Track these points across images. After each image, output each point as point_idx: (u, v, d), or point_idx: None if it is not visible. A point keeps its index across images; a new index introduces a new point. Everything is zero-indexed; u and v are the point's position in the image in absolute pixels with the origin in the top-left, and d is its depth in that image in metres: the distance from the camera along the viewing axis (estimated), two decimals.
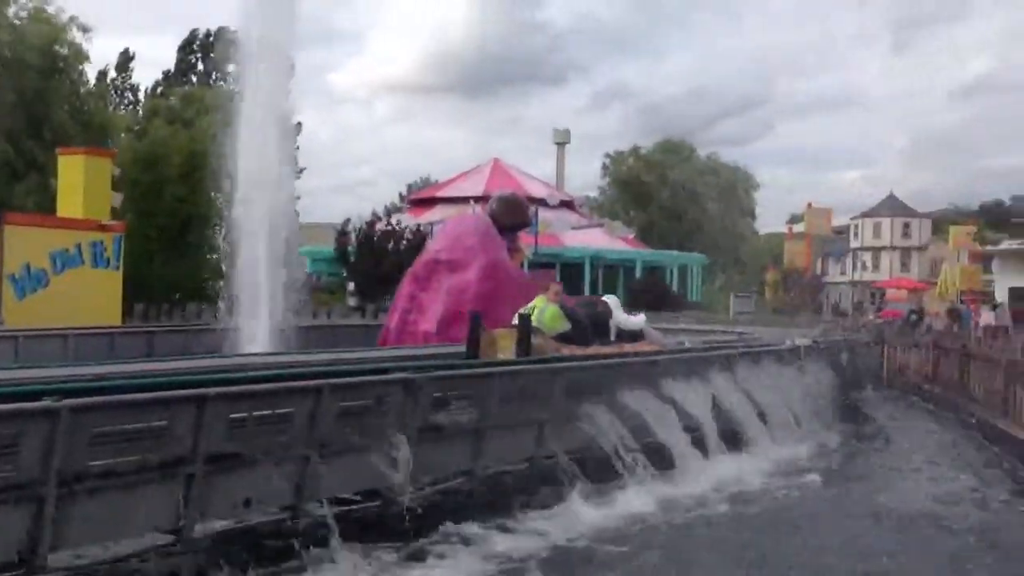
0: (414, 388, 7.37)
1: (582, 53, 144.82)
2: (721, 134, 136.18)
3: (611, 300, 12.72)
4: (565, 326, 11.18)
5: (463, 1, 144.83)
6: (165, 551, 6.16)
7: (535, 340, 10.22)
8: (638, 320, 12.78)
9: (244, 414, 6.20)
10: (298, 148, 64.85)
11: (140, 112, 45.77)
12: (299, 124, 59.96)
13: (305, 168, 63.63)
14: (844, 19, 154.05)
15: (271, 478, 6.47)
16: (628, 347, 11.76)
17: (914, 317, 32.32)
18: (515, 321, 10.75)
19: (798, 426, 12.70)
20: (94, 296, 17.78)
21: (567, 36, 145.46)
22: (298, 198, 59.76)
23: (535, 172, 67.24)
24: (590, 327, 11.72)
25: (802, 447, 12.23)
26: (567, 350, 10.67)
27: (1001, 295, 44.29)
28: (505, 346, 10.27)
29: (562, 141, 72.02)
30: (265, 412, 6.35)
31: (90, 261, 18.40)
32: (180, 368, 7.60)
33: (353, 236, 31.69)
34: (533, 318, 10.58)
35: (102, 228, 18.95)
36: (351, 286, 35.06)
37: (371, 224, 31.96)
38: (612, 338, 12.02)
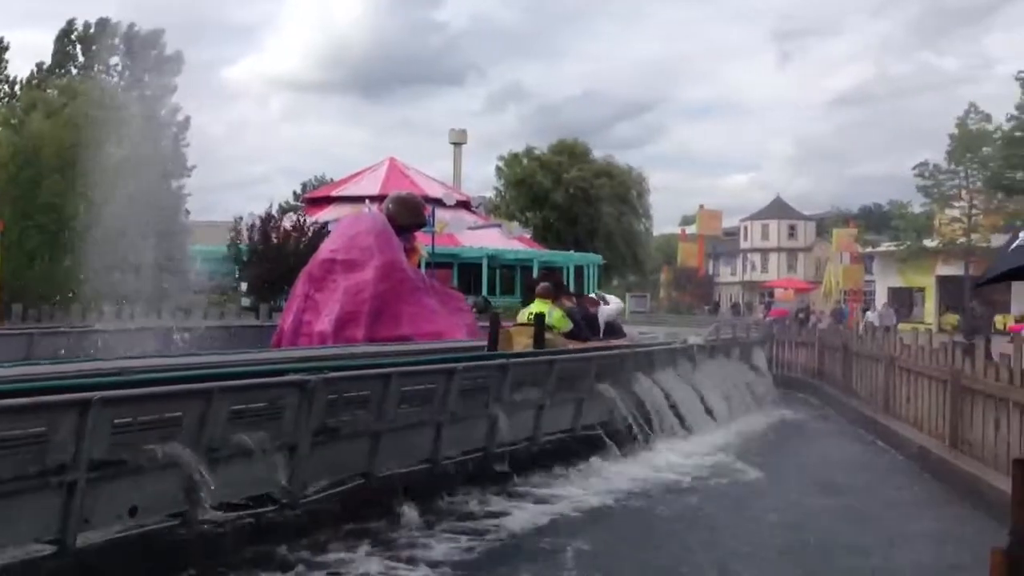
0: (309, 390, 7.24)
1: (480, 54, 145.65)
2: (616, 137, 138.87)
3: (613, 302, 15.22)
4: (569, 325, 13.34)
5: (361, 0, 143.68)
6: (46, 562, 5.89)
7: (548, 336, 12.18)
8: (611, 308, 14.88)
9: (129, 419, 5.98)
10: (187, 144, 62.72)
11: (18, 105, 43.76)
12: (188, 118, 58.73)
13: (195, 165, 62.36)
14: (733, 28, 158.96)
15: (159, 485, 6.26)
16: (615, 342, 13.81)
17: (802, 315, 33.49)
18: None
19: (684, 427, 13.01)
20: None
21: (465, 37, 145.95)
22: (188, 195, 57.84)
23: (432, 172, 66.95)
24: (585, 325, 13.83)
25: (688, 445, 12.53)
26: (572, 344, 12.68)
27: (881, 295, 46.27)
28: (520, 341, 12.41)
29: (458, 141, 71.90)
30: (152, 416, 6.14)
31: None
32: (61, 372, 7.27)
33: (246, 234, 30.86)
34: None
35: None
36: (244, 286, 34.24)
37: (265, 221, 31.18)
38: (601, 335, 14.12)
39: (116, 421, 5.88)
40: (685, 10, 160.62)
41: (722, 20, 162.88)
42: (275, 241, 29.44)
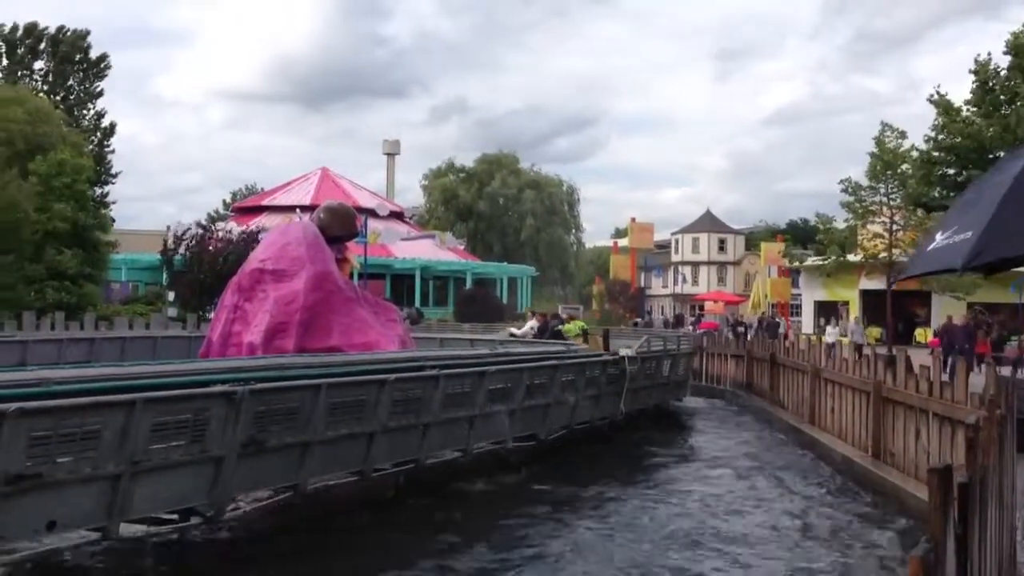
0: (236, 401, 7.11)
1: (424, 68, 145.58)
2: (556, 150, 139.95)
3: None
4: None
5: (305, 12, 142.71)
6: None
7: None
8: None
9: (48, 431, 5.80)
10: (112, 150, 61.39)
11: None
12: (112, 125, 57.50)
13: (121, 172, 60.88)
14: (672, 46, 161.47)
15: (79, 498, 6.09)
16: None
17: (741, 329, 33.78)
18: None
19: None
20: None
21: (410, 51, 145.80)
22: (113, 203, 56.45)
23: (371, 183, 66.74)
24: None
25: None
26: None
27: (807, 307, 47.24)
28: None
29: (392, 152, 71.66)
30: (72, 429, 5.96)
31: None
32: None
33: (177, 243, 30.20)
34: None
35: None
36: (171, 295, 33.53)
37: (205, 229, 30.55)
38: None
39: (33, 434, 5.70)
40: (625, 27, 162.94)
41: (661, 38, 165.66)
42: (212, 250, 28.91)
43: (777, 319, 40.31)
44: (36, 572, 6.81)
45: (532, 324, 22.72)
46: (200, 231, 29.79)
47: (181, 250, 29.25)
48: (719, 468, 13.06)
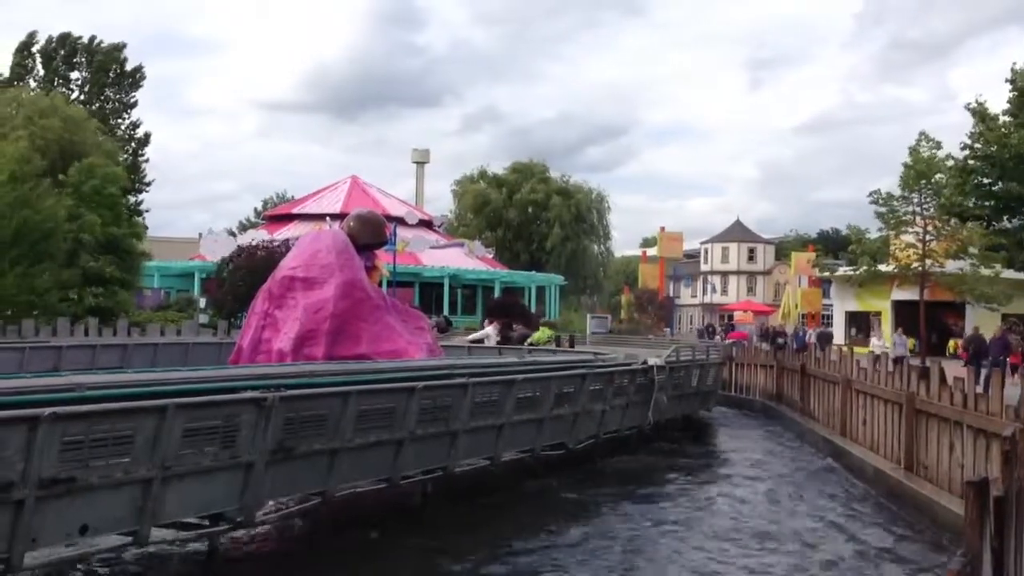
0: (266, 408, 7.15)
1: (457, 77, 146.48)
2: (587, 159, 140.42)
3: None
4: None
5: (339, 21, 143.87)
6: None
7: None
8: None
9: (81, 436, 5.86)
10: (147, 160, 62.13)
11: None
12: (147, 135, 58.21)
13: (154, 180, 61.55)
14: (703, 55, 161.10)
15: (111, 503, 6.14)
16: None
17: (781, 340, 33.29)
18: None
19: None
20: None
21: (442, 60, 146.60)
22: (147, 211, 57.18)
23: (401, 192, 67.01)
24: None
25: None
26: None
27: (838, 318, 46.82)
28: None
29: (421, 160, 71.96)
30: (104, 434, 6.02)
31: None
32: (11, 387, 7.11)
33: (239, 254, 30.66)
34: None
35: None
36: (202, 302, 33.89)
37: (252, 246, 31.13)
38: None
39: (67, 438, 5.76)
40: (658, 37, 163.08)
41: (694, 47, 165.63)
42: (258, 256, 29.42)
43: (808, 330, 39.94)
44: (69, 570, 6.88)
45: (489, 331, 22.87)
46: (250, 244, 30.41)
47: (235, 261, 29.75)
48: (748, 479, 12.95)
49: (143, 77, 58.43)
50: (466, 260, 50.97)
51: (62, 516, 5.87)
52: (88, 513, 6.03)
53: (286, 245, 29.28)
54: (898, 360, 21.02)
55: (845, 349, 19.10)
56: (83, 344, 16.16)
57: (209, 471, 6.84)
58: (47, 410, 5.62)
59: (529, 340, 22.63)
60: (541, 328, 23.96)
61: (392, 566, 7.98)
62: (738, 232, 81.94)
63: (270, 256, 28.64)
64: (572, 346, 22.56)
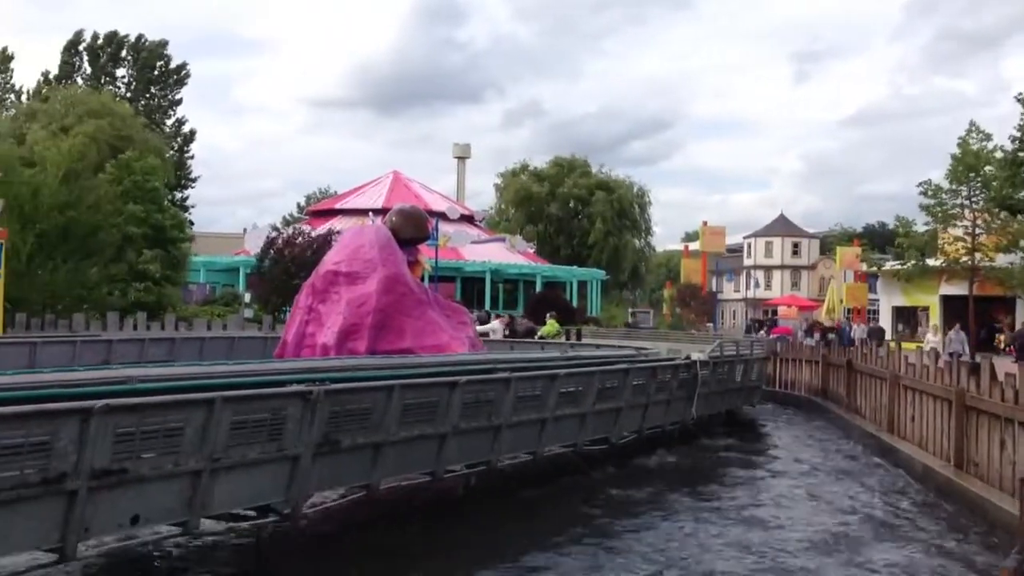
0: (312, 401, 7.20)
1: (499, 72, 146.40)
2: (630, 154, 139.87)
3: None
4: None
5: (383, 18, 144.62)
6: (46, 569, 5.87)
7: None
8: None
9: (132, 428, 5.95)
10: (192, 156, 63.01)
11: (20, 117, 43.99)
12: (192, 132, 58.94)
13: (200, 176, 62.29)
14: (749, 48, 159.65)
15: (161, 494, 6.23)
16: None
17: (831, 336, 32.74)
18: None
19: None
20: None
21: (484, 56, 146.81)
22: (192, 206, 57.96)
23: (442, 187, 67.19)
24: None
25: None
26: None
27: (885, 313, 46.13)
28: None
29: (462, 156, 72.06)
30: (154, 426, 6.11)
31: None
32: (65, 380, 7.24)
33: (269, 248, 31.06)
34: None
35: None
36: (247, 297, 34.28)
37: (286, 235, 31.49)
38: None
39: (119, 430, 5.85)
40: (703, 30, 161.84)
41: (740, 41, 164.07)
42: (289, 252, 29.79)
43: (853, 326, 39.37)
44: (120, 565, 6.99)
45: (495, 325, 23.34)
46: (285, 234, 30.76)
47: (271, 253, 30.12)
48: (792, 475, 12.82)
49: (187, 75, 59.22)
50: (507, 255, 51.01)
51: (114, 506, 5.97)
52: (139, 504, 6.12)
53: (324, 238, 29.65)
54: (953, 355, 20.61)
55: (892, 345, 18.84)
56: (132, 338, 16.43)
57: (256, 463, 6.91)
58: (100, 402, 5.71)
59: (539, 334, 23.10)
60: (549, 322, 24.36)
61: (436, 559, 8.00)
62: (782, 226, 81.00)
63: (303, 250, 29.05)
64: (579, 339, 23.05)
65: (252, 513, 7.29)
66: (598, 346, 18.74)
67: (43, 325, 20.82)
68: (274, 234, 31.52)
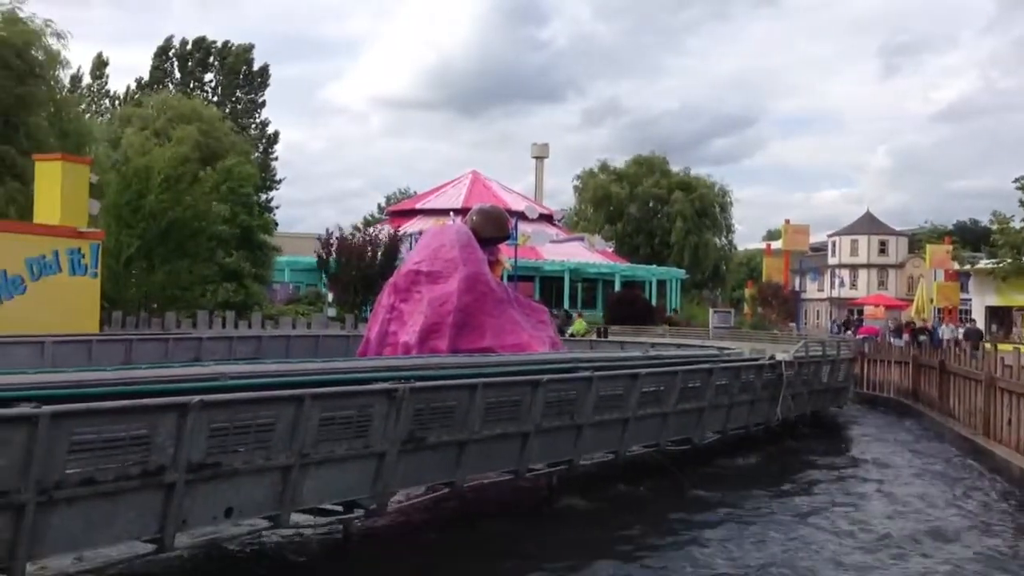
0: (397, 399, 7.30)
1: (578, 71, 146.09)
2: (712, 151, 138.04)
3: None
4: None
5: (465, 19, 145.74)
6: (146, 560, 6.06)
7: None
8: None
9: (225, 423, 6.11)
10: (276, 158, 64.37)
11: (115, 121, 45.52)
12: (276, 133, 60.28)
13: (284, 178, 63.78)
14: (835, 43, 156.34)
15: (253, 487, 6.39)
16: None
17: (923, 337, 31.75)
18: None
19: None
20: (72, 303, 17.52)
21: (565, 55, 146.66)
22: (277, 207, 59.20)
23: (520, 187, 67.39)
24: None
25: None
26: None
27: (978, 313, 44.69)
28: None
29: (540, 155, 72.07)
30: (247, 421, 6.27)
31: (67, 268, 18.13)
32: (160, 376, 7.47)
33: (328, 249, 31.74)
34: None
35: (79, 235, 18.68)
36: (330, 296, 34.88)
37: (351, 235, 32.07)
38: None
39: (213, 425, 6.01)
40: (788, 24, 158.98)
41: (825, 35, 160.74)
42: (353, 249, 30.43)
43: (943, 326, 38.21)
44: (214, 556, 7.18)
45: None
46: (341, 234, 31.43)
47: (333, 253, 30.76)
48: (883, 479, 12.52)
49: (269, 77, 60.62)
50: (586, 254, 50.87)
51: (209, 499, 6.14)
52: (233, 497, 6.28)
53: (394, 239, 30.18)
54: None
55: (988, 346, 18.24)
56: (221, 336, 16.88)
57: (343, 460, 7.03)
58: (196, 398, 5.88)
59: (570, 332, 23.17)
60: (578, 320, 24.47)
61: (520, 557, 8.02)
62: (868, 224, 79.00)
63: (361, 248, 29.67)
64: (605, 336, 23.52)
65: (339, 508, 7.43)
66: (679, 345, 18.56)
67: (138, 323, 21.50)
68: (329, 235, 32.25)
